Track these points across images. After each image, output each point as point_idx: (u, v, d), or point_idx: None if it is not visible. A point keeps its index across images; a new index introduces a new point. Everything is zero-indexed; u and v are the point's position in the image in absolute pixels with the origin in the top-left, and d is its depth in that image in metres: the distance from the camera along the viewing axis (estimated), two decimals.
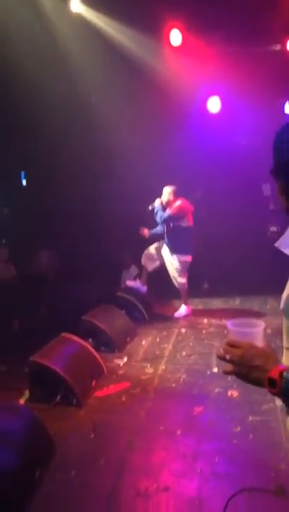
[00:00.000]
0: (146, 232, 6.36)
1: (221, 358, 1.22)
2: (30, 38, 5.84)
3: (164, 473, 2.82)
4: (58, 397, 3.63)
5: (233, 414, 3.46)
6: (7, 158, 7.13)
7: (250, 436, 3.16)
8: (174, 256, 6.22)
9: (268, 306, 6.28)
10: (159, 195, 6.21)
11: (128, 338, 5.22)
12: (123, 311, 5.59)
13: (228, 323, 1.25)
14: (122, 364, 4.60)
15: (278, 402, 1.15)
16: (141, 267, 6.69)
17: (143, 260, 6.55)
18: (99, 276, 6.93)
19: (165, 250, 6.32)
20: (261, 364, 1.15)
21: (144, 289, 6.51)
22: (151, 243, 6.51)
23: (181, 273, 6.27)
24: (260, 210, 7.99)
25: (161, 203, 6.16)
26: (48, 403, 3.62)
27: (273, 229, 7.63)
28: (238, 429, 3.24)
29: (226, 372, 1.23)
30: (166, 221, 6.11)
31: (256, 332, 1.22)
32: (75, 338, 4.23)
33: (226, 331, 1.58)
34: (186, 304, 6.39)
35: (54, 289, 6.55)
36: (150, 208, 6.21)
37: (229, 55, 6.62)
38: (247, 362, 1.17)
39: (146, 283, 6.55)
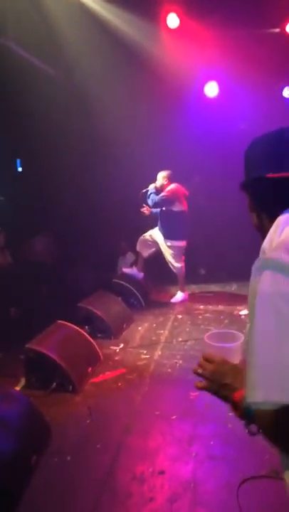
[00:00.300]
0: (147, 210, 6.29)
1: (195, 372, 1.20)
2: (25, 22, 5.72)
3: (160, 457, 2.85)
4: (54, 384, 3.64)
5: None
6: (2, 146, 7.04)
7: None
8: (168, 241, 6.19)
9: None
10: (156, 181, 6.18)
11: (124, 325, 5.23)
12: (119, 298, 5.59)
13: (206, 336, 1.24)
14: (118, 350, 4.62)
15: None
16: (137, 254, 6.68)
17: (138, 247, 6.53)
18: (95, 263, 6.92)
19: (159, 236, 6.29)
20: (230, 383, 1.13)
21: (140, 275, 6.51)
22: (149, 229, 6.49)
23: (176, 258, 6.25)
24: None
25: (155, 187, 6.11)
26: (44, 390, 3.63)
27: None
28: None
29: (198, 388, 1.21)
30: (157, 204, 6.05)
31: (232, 348, 1.21)
32: (70, 325, 4.23)
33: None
34: (182, 290, 6.39)
35: (50, 276, 6.52)
36: (144, 191, 6.15)
37: (227, 38, 6.50)
38: (217, 379, 1.15)
39: (142, 269, 6.55)
